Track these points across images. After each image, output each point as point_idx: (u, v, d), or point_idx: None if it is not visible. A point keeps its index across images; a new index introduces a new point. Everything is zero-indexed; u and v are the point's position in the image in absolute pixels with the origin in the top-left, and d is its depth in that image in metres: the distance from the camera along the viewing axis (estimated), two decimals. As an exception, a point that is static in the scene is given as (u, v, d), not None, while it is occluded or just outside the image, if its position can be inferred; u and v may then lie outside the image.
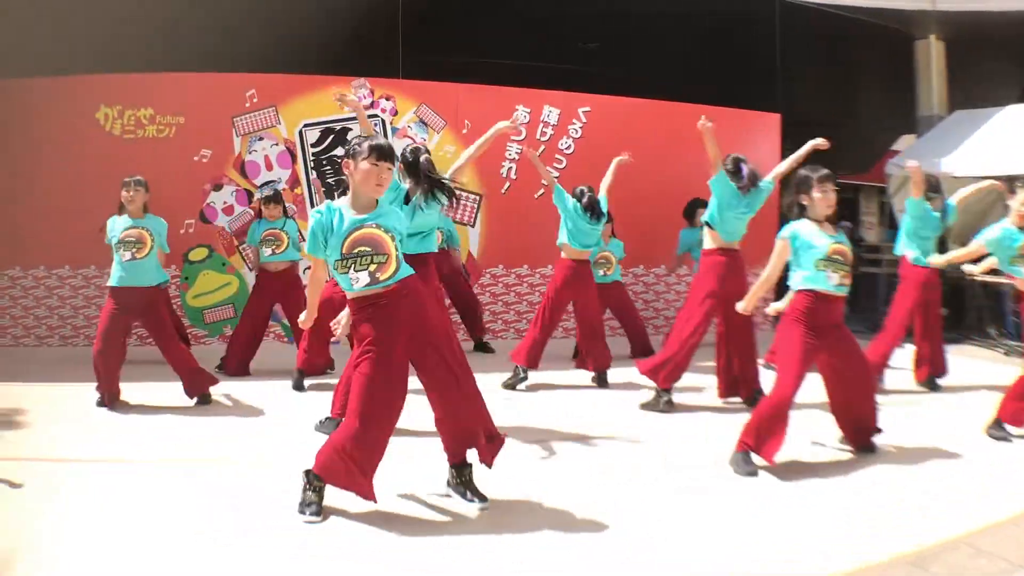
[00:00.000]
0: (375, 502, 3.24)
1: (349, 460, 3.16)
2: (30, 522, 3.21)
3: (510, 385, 6.03)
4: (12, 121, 7.82)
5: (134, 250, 5.35)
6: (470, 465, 3.52)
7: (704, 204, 7.92)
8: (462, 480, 3.50)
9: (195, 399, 5.49)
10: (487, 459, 3.49)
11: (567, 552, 2.98)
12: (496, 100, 8.26)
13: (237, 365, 6.58)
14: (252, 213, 7.71)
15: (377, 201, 3.29)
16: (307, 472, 3.33)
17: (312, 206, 8.01)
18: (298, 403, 5.61)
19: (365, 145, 3.21)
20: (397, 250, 3.21)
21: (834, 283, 4.03)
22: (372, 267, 3.14)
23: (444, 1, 8.81)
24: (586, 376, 6.33)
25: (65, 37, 8.19)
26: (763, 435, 3.93)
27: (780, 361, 4.14)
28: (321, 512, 3.28)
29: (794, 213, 4.22)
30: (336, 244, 3.15)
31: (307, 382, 6.00)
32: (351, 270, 3.14)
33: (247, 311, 6.76)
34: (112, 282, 5.40)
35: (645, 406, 5.40)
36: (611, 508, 3.42)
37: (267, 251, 6.53)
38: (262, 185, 7.86)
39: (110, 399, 5.36)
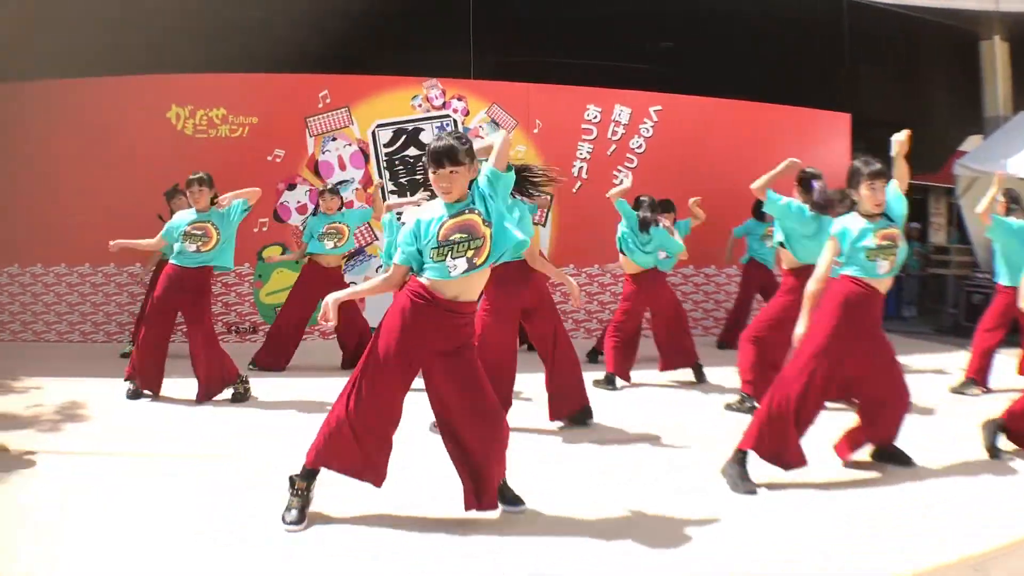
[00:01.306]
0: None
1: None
2: (34, 519, 3.19)
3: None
4: (80, 119, 7.92)
5: (199, 243, 5.35)
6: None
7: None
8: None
9: (231, 395, 5.45)
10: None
11: (569, 552, 2.91)
12: (567, 99, 8.24)
13: (272, 359, 6.51)
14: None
15: (470, 192, 3.13)
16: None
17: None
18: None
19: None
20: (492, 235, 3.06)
21: (883, 271, 3.81)
22: (469, 253, 3.04)
23: (515, 1, 8.81)
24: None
25: (135, 37, 8.27)
26: (764, 438, 3.69)
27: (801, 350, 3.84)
28: (303, 520, 3.16)
29: (845, 206, 3.96)
30: (432, 235, 3.05)
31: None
32: (448, 258, 3.03)
33: (291, 304, 6.64)
34: (173, 260, 5.40)
35: (730, 407, 5.31)
36: (614, 508, 3.36)
37: (329, 244, 6.48)
38: (335, 184, 7.86)
39: (144, 385, 5.39)
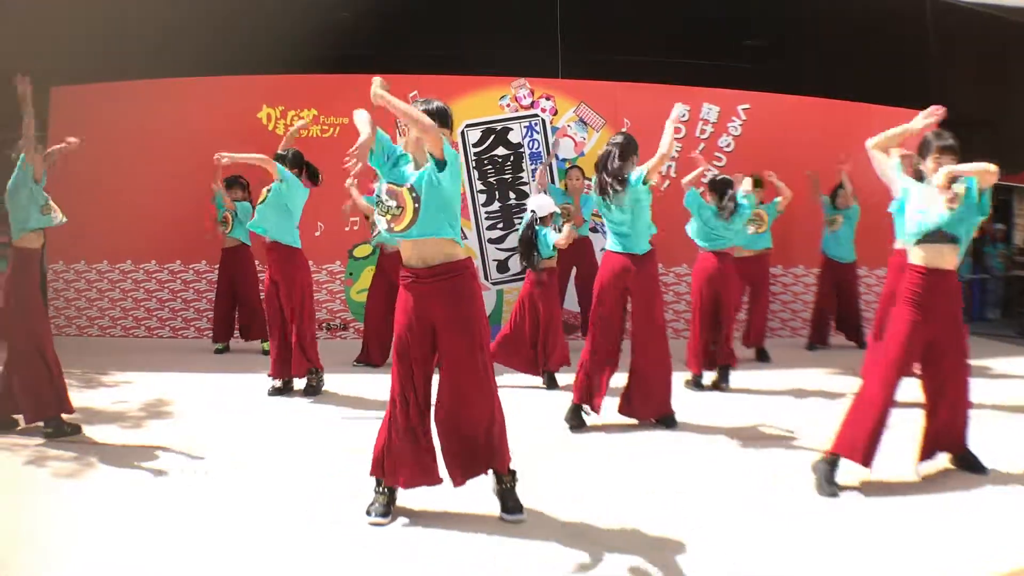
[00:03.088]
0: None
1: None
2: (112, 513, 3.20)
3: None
4: (169, 119, 8.07)
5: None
6: (512, 472, 3.26)
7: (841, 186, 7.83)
8: (501, 488, 3.25)
9: (304, 387, 5.55)
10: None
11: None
12: (655, 97, 8.18)
13: (381, 352, 6.55)
14: None
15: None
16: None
17: (473, 205, 8.04)
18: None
19: None
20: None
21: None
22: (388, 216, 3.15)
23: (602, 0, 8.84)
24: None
25: (226, 38, 8.39)
26: (847, 437, 3.59)
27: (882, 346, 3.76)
28: (388, 513, 3.17)
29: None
30: None
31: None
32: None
33: (375, 294, 6.68)
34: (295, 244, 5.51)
35: None
36: (632, 519, 3.25)
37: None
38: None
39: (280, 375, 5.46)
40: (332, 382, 5.74)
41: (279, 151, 5.66)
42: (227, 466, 3.85)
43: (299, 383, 5.61)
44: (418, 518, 3.15)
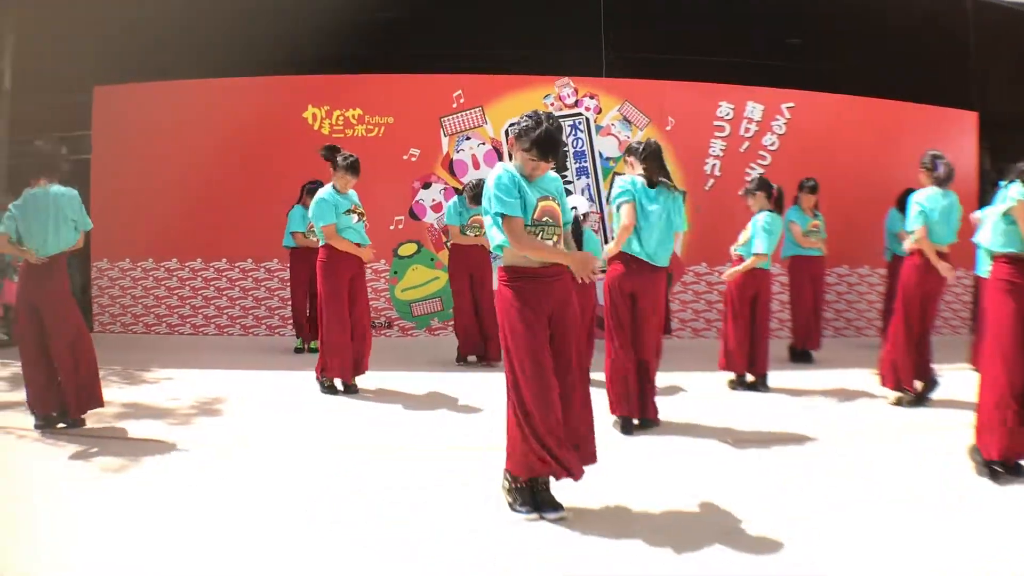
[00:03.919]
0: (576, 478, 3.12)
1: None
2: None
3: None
4: (216, 118, 8.13)
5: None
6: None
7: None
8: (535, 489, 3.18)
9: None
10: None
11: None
12: (699, 96, 8.23)
13: (474, 346, 6.58)
14: None
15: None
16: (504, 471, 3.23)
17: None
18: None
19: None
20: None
21: None
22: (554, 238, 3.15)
23: (646, -1, 8.86)
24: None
25: (271, 38, 8.44)
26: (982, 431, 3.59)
27: (988, 340, 3.68)
28: (527, 504, 3.12)
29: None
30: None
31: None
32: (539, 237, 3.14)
33: (458, 290, 6.63)
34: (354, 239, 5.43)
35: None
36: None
37: (471, 234, 6.55)
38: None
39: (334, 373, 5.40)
40: (377, 381, 5.72)
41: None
42: (227, 467, 3.82)
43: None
44: (418, 518, 3.13)
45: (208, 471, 3.72)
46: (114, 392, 5.30)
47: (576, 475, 3.11)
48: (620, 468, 3.73)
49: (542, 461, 3.04)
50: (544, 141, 3.04)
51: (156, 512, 3.17)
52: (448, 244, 6.95)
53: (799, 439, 4.35)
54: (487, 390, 5.37)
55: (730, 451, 4.14)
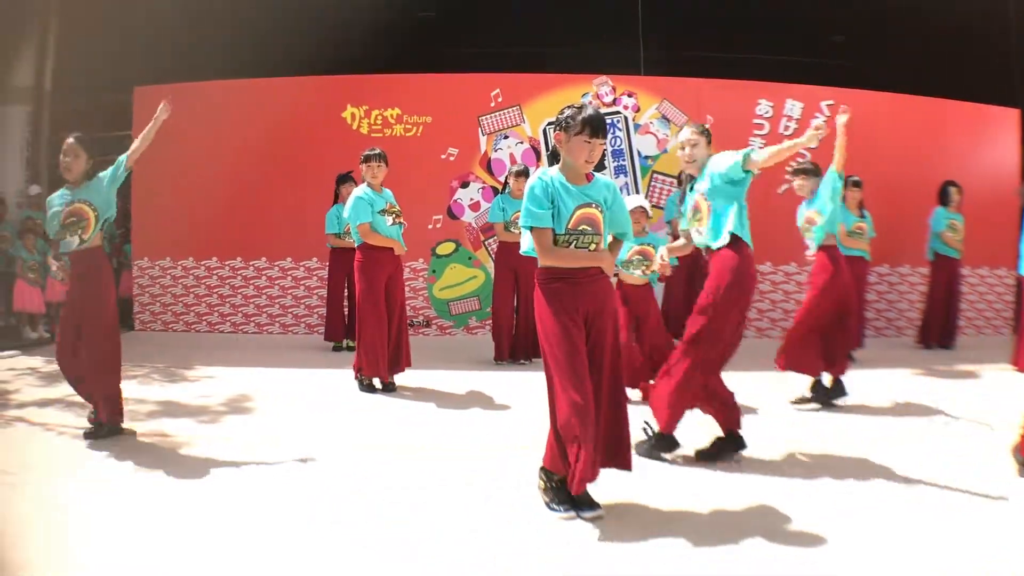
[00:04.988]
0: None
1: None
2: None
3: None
4: (256, 118, 8.19)
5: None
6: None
7: (954, 184, 7.73)
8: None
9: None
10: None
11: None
12: (738, 94, 8.20)
13: (510, 350, 6.57)
14: None
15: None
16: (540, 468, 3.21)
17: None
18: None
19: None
20: None
21: None
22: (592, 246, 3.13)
23: (683, -3, 8.85)
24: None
25: (310, 38, 8.52)
26: None
27: None
28: (564, 503, 3.09)
29: None
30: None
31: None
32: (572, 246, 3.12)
33: (501, 288, 6.60)
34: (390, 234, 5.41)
35: None
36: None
37: (516, 230, 6.49)
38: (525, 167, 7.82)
39: (372, 372, 5.37)
40: (417, 379, 5.73)
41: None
42: (228, 465, 3.81)
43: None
44: (418, 518, 3.11)
45: (226, 469, 3.71)
46: (154, 390, 5.38)
47: (581, 478, 3.01)
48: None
49: (564, 460, 3.06)
50: (594, 118, 3.02)
51: (156, 512, 3.16)
52: (485, 242, 6.94)
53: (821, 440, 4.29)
54: (525, 390, 5.35)
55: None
